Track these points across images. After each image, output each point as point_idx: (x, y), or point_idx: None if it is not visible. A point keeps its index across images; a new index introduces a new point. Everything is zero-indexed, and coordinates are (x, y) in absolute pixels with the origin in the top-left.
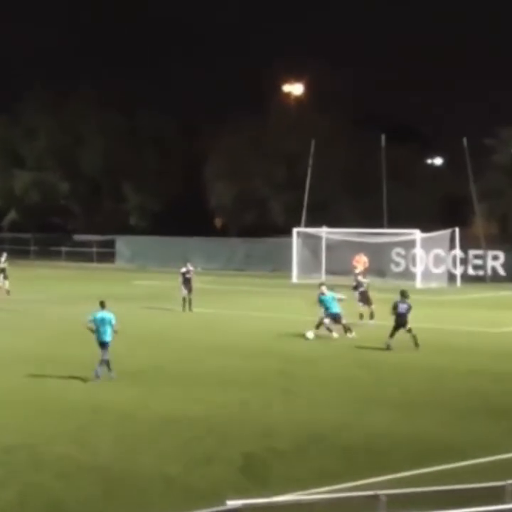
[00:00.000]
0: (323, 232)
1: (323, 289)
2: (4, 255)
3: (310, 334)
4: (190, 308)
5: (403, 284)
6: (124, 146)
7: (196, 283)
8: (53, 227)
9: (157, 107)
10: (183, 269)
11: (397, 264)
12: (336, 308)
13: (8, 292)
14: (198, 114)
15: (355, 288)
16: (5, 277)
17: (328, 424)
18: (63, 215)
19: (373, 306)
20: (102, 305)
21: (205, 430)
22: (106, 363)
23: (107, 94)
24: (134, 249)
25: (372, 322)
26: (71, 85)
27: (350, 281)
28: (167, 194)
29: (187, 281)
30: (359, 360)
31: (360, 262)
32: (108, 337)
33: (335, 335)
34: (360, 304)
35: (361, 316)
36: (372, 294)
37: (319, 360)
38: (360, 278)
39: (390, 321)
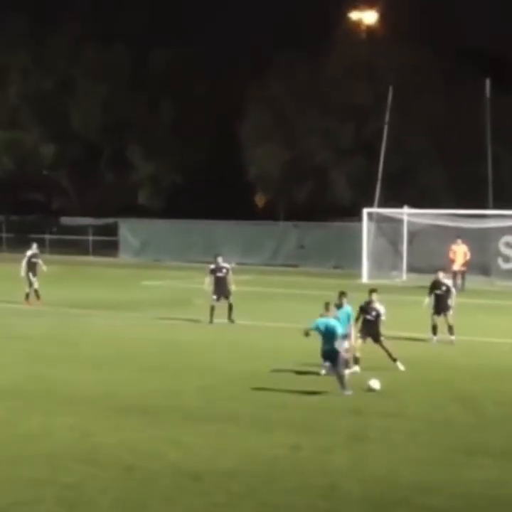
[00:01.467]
0: (405, 213)
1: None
2: (34, 246)
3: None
4: (230, 318)
5: None
6: (131, 95)
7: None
8: (33, 207)
9: (176, 43)
10: (212, 266)
11: (507, 258)
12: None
13: (36, 294)
14: (231, 53)
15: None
16: (34, 274)
17: (410, 481)
18: (46, 190)
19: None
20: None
21: (239, 489)
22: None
23: (105, 23)
24: (143, 238)
25: (452, 338)
26: (56, 10)
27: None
28: (189, 162)
29: (219, 282)
30: (454, 392)
31: (459, 252)
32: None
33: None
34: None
35: (434, 330)
36: (467, 301)
37: (399, 392)
38: (441, 276)
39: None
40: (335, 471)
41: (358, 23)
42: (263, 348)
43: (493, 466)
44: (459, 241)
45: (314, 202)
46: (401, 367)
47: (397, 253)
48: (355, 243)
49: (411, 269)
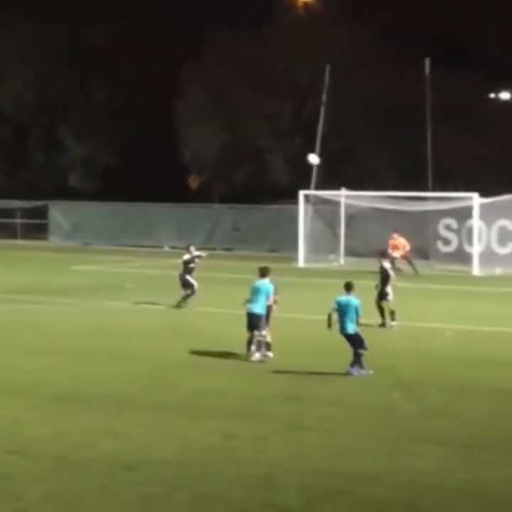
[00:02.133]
0: (342, 196)
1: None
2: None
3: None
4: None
5: (455, 269)
6: (62, 74)
7: (160, 269)
8: None
9: (109, 21)
10: (187, 257)
11: (447, 241)
12: None
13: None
14: (167, 29)
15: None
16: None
17: (351, 471)
18: None
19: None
20: None
21: (177, 481)
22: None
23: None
24: (74, 221)
25: (393, 323)
26: None
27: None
28: (122, 143)
29: (192, 273)
30: (395, 379)
31: (399, 246)
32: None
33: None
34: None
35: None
36: (407, 285)
37: (339, 378)
38: (384, 263)
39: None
40: (272, 460)
41: (295, 1)
42: (197, 334)
43: (435, 455)
44: (395, 235)
45: (251, 184)
46: None
47: (335, 236)
48: (291, 226)
49: (349, 252)
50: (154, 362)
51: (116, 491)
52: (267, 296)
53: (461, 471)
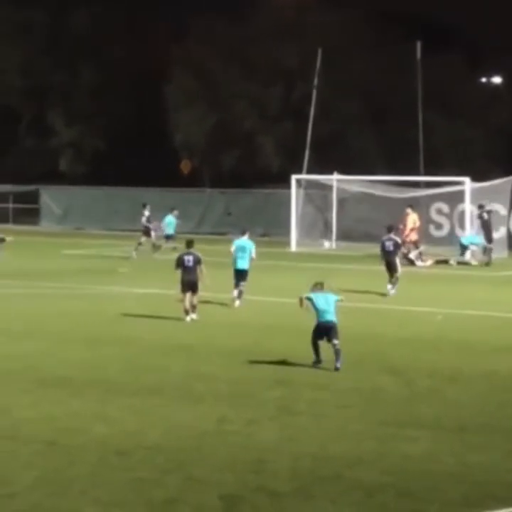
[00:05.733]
0: (334, 180)
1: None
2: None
3: None
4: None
5: (446, 253)
6: (51, 58)
7: (148, 253)
8: None
9: (96, 5)
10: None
11: (438, 225)
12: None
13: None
14: (154, 12)
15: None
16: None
17: (341, 455)
18: None
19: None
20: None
21: (168, 465)
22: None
23: None
24: (66, 205)
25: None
26: None
27: (371, 249)
28: (112, 127)
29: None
30: (384, 364)
31: (410, 221)
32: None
33: None
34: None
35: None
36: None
37: (328, 363)
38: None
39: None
40: (264, 445)
41: None
42: (178, 319)
43: (424, 439)
44: (409, 209)
45: (242, 168)
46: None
47: (326, 221)
48: (283, 210)
49: (340, 236)
50: (145, 346)
51: (107, 475)
52: (251, 252)
53: (451, 455)
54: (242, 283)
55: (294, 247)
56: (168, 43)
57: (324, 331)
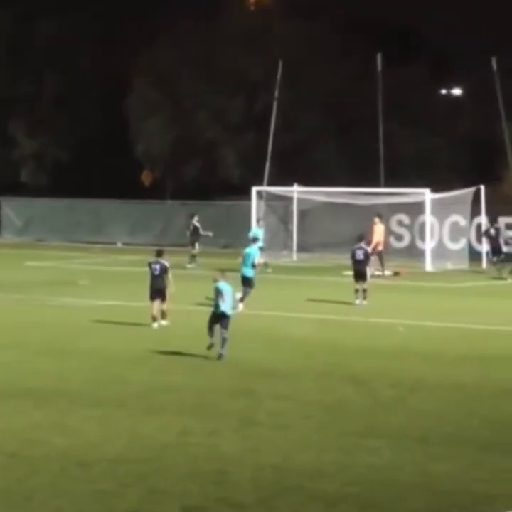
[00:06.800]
0: (295, 191)
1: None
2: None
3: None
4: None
5: (406, 265)
6: (14, 68)
7: (113, 265)
8: None
9: (61, 14)
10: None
11: (399, 237)
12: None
13: None
14: (118, 24)
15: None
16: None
17: (303, 466)
18: None
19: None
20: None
21: (129, 477)
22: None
23: None
24: (27, 217)
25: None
26: None
27: (332, 261)
28: (75, 138)
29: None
30: (347, 374)
31: (377, 232)
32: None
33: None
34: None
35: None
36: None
37: (291, 374)
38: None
39: None
40: (226, 456)
41: None
42: (149, 330)
43: (387, 450)
44: (376, 219)
45: (203, 180)
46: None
47: (288, 232)
48: (245, 222)
49: (301, 248)
50: (107, 357)
51: (68, 487)
52: (254, 260)
53: (414, 466)
54: (248, 290)
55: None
56: (133, 53)
57: (218, 320)
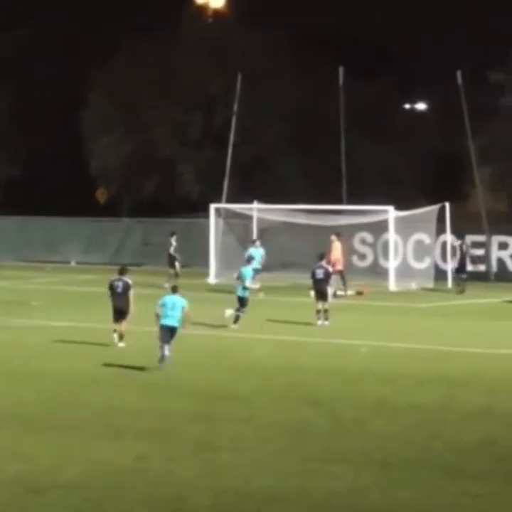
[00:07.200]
0: (255, 209)
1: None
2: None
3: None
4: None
5: (369, 284)
6: None
7: (67, 285)
8: None
9: (16, 28)
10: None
11: (362, 256)
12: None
13: None
14: (74, 37)
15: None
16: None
17: (263, 491)
18: None
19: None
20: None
21: (84, 504)
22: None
23: None
24: None
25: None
26: None
27: (296, 280)
28: (28, 154)
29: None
30: (307, 396)
31: (335, 250)
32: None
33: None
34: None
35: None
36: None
37: (250, 396)
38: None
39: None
40: (184, 481)
41: (203, 7)
42: (106, 351)
43: (349, 474)
44: (334, 237)
45: (160, 197)
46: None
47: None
48: (203, 240)
49: (262, 267)
50: (62, 379)
51: None
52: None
53: (377, 491)
54: (242, 309)
55: (212, 278)
56: (88, 67)
57: (165, 332)
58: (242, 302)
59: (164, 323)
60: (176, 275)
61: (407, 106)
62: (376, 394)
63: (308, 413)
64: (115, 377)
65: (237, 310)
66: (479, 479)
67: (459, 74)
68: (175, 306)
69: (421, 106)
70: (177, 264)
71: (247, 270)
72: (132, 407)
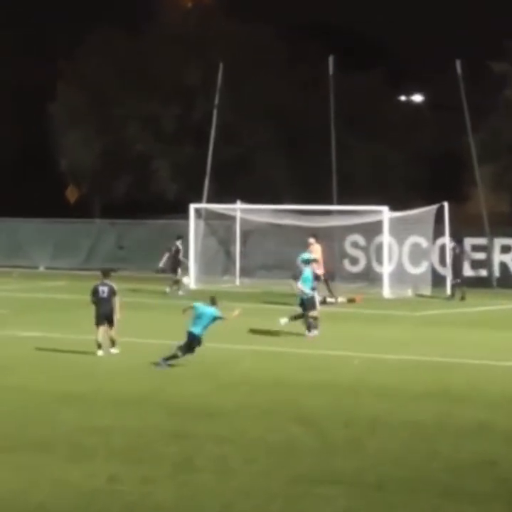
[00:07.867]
0: (238, 210)
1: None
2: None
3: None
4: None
5: (362, 291)
6: None
7: (35, 292)
8: None
9: None
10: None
11: (354, 260)
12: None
13: None
14: (39, 26)
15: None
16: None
17: None
18: None
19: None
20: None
21: None
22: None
23: None
24: None
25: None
26: None
27: (278, 286)
28: None
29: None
30: (294, 413)
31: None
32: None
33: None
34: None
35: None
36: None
37: (233, 413)
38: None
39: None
40: (160, 505)
41: None
42: (78, 364)
43: (341, 498)
44: (312, 239)
45: (135, 196)
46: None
47: (229, 255)
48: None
49: (244, 272)
50: (30, 396)
51: None
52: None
53: None
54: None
55: (193, 284)
56: (56, 59)
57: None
58: (309, 305)
59: (187, 329)
60: (176, 281)
61: (403, 98)
62: (369, 410)
63: (295, 431)
64: (86, 392)
65: (300, 316)
66: (479, 502)
67: (458, 63)
68: (202, 316)
69: (417, 97)
70: (179, 270)
71: (308, 272)
72: (104, 424)
